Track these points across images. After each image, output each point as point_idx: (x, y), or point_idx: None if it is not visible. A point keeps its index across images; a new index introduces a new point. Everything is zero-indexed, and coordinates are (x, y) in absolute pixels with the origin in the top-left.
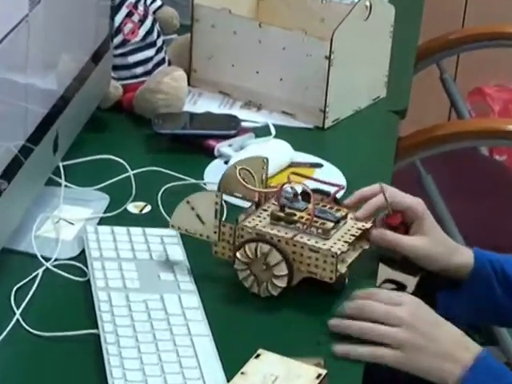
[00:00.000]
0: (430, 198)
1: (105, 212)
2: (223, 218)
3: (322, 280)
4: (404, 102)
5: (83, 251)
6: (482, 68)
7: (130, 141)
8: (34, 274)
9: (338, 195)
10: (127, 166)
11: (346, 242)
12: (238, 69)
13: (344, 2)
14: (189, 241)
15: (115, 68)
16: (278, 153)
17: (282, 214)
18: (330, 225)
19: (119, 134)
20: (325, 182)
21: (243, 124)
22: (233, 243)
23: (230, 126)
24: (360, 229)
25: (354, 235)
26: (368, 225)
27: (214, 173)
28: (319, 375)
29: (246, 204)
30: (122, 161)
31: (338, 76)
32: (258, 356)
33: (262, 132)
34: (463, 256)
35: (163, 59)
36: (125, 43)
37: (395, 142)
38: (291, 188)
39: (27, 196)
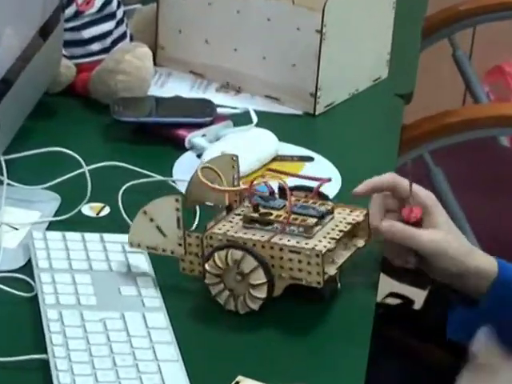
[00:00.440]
0: (440, 194)
1: (55, 215)
2: (193, 228)
3: (309, 286)
4: (409, 84)
5: (29, 261)
6: (502, 43)
7: (85, 131)
8: None
9: (331, 192)
10: (81, 161)
11: (332, 238)
12: (212, 45)
13: None
14: None
15: (67, 44)
16: (261, 144)
17: (255, 215)
18: (312, 221)
19: (71, 122)
20: (309, 178)
21: (219, 110)
22: (201, 256)
23: (203, 113)
24: (350, 223)
25: (342, 231)
26: (360, 218)
27: (184, 168)
28: None
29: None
30: (75, 154)
31: (332, 53)
32: None
33: (241, 120)
34: (484, 259)
35: (124, 34)
36: (78, 15)
37: (399, 130)
38: (266, 185)
39: None
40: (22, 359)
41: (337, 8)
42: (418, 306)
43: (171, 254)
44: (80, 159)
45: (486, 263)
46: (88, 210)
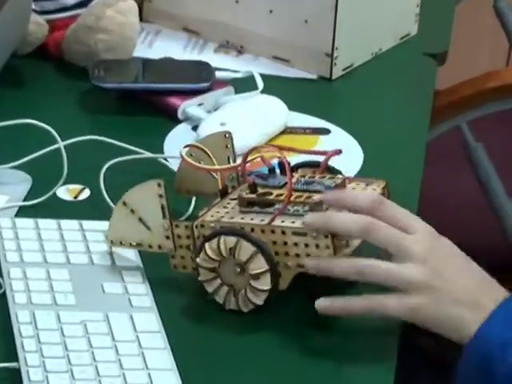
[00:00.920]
0: (481, 174)
1: (25, 199)
2: (183, 218)
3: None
4: (443, 42)
5: None
6: None
7: (60, 99)
8: None
9: (351, 169)
10: (56, 135)
11: None
12: None
13: None
14: None
15: None
16: (268, 114)
17: (252, 196)
18: (319, 196)
19: (44, 89)
20: (317, 153)
21: (218, 74)
22: (193, 249)
23: (199, 78)
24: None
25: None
26: (377, 191)
27: (177, 143)
28: None
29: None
30: (48, 127)
31: (351, 6)
32: None
33: (244, 85)
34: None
35: None
36: None
37: (431, 97)
38: (264, 161)
39: None
40: None
41: None
42: None
43: (159, 250)
44: (54, 133)
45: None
46: (64, 192)
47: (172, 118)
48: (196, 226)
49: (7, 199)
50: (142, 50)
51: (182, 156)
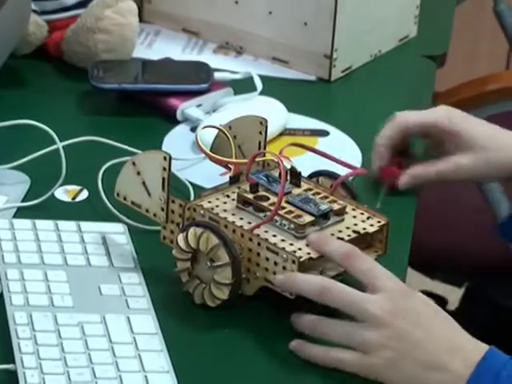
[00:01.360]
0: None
1: (23, 200)
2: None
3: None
4: (442, 44)
5: None
6: None
7: (59, 100)
8: None
9: (339, 167)
10: (54, 136)
11: None
12: None
13: None
14: (142, 238)
15: None
16: (267, 116)
17: (249, 197)
18: (306, 219)
19: (43, 90)
20: (340, 162)
21: (217, 75)
22: (181, 228)
23: (198, 79)
24: (357, 232)
25: (342, 239)
26: (374, 228)
27: (176, 144)
28: None
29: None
30: (47, 128)
31: (351, 8)
32: None
33: (243, 86)
34: None
35: None
36: None
37: (430, 99)
38: (278, 162)
39: None
40: None
41: None
42: (452, 305)
43: (153, 218)
44: (53, 134)
45: None
46: (62, 193)
47: (171, 119)
48: (188, 208)
49: (5, 200)
50: (142, 51)
51: (196, 140)
